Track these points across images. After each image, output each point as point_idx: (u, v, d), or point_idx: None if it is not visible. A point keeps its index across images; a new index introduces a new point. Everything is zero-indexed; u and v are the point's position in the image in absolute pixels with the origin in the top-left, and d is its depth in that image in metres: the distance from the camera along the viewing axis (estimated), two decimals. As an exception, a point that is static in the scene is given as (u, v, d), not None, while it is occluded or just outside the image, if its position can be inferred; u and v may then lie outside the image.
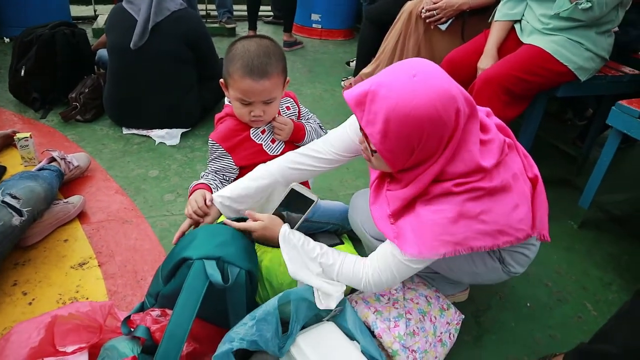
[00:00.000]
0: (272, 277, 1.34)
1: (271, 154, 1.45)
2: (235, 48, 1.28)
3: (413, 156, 0.96)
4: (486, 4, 2.27)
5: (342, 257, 1.16)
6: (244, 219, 1.23)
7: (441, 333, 1.29)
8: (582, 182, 2.21)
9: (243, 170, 1.43)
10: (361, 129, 0.98)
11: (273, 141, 1.46)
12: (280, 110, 1.50)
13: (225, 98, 1.48)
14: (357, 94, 0.95)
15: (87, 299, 1.41)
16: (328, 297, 1.12)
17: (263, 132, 1.45)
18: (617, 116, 1.67)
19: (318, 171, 1.29)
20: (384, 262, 1.09)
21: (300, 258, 1.14)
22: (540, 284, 1.66)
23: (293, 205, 1.23)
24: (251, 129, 1.43)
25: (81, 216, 1.75)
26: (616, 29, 1.89)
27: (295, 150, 1.30)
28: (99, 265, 1.54)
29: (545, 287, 1.65)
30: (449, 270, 1.27)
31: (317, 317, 1.14)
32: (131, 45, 2.22)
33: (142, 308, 1.23)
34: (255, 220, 1.20)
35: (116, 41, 2.30)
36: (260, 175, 1.28)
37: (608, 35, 1.83)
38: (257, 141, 1.43)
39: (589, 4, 1.66)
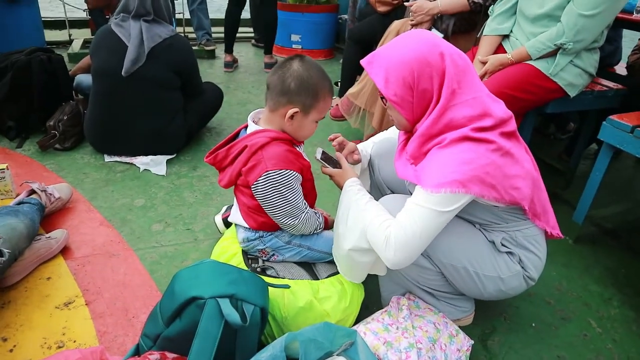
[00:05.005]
0: (274, 309, 1.27)
1: (307, 160, 1.41)
2: (309, 76, 1.27)
3: (414, 98, 1.14)
4: (457, 10, 2.30)
5: (374, 216, 1.20)
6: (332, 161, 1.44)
7: (452, 361, 1.24)
8: (571, 196, 2.23)
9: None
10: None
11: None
12: None
13: (251, 122, 1.37)
14: (368, 56, 1.20)
15: (74, 341, 1.31)
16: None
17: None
18: (609, 131, 1.68)
19: None
20: (407, 214, 1.13)
21: (345, 214, 1.28)
22: (543, 302, 1.64)
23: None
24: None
25: (65, 251, 1.65)
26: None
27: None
28: (86, 304, 1.44)
29: (548, 306, 1.63)
30: (475, 278, 1.26)
31: (327, 354, 1.08)
32: (123, 73, 2.15)
33: (137, 351, 1.15)
34: (339, 167, 1.42)
35: (103, 65, 2.22)
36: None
37: (594, 52, 1.87)
38: (300, 151, 1.39)
39: (572, 44, 1.75)
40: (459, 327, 1.40)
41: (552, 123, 3.13)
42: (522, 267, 1.29)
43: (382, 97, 1.21)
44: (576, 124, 2.95)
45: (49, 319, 1.38)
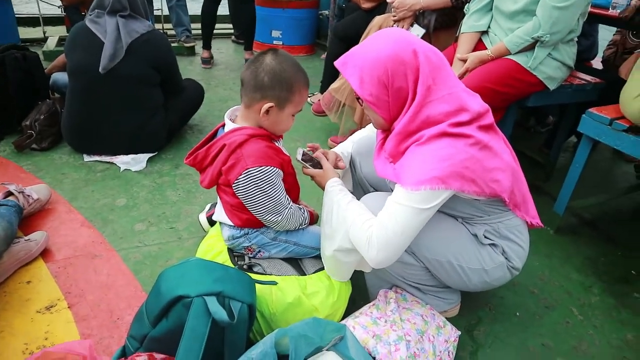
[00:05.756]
0: (262, 306, 1.27)
1: (287, 154, 1.40)
2: (282, 69, 1.24)
3: (390, 96, 1.14)
4: (440, 6, 2.30)
5: (355, 216, 1.20)
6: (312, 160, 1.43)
7: (440, 352, 1.25)
8: (551, 188, 2.27)
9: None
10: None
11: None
12: None
13: (228, 120, 1.35)
14: (342, 57, 1.19)
15: (57, 345, 1.28)
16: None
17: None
18: (588, 124, 1.72)
19: None
20: (388, 213, 1.13)
21: (329, 215, 1.29)
22: (527, 292, 1.67)
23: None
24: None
25: (45, 254, 1.62)
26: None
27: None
28: (68, 307, 1.41)
29: (531, 295, 1.66)
30: (460, 271, 1.27)
31: (317, 349, 1.07)
32: (100, 70, 2.10)
33: (123, 353, 1.13)
34: (320, 167, 1.41)
35: (79, 62, 2.17)
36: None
37: (572, 44, 1.90)
38: (279, 146, 1.37)
39: (549, 36, 1.77)
40: (446, 318, 1.41)
41: (532, 116, 3.18)
42: (506, 258, 1.31)
43: (358, 98, 1.20)
44: (555, 118, 3.01)
45: (31, 323, 1.35)
